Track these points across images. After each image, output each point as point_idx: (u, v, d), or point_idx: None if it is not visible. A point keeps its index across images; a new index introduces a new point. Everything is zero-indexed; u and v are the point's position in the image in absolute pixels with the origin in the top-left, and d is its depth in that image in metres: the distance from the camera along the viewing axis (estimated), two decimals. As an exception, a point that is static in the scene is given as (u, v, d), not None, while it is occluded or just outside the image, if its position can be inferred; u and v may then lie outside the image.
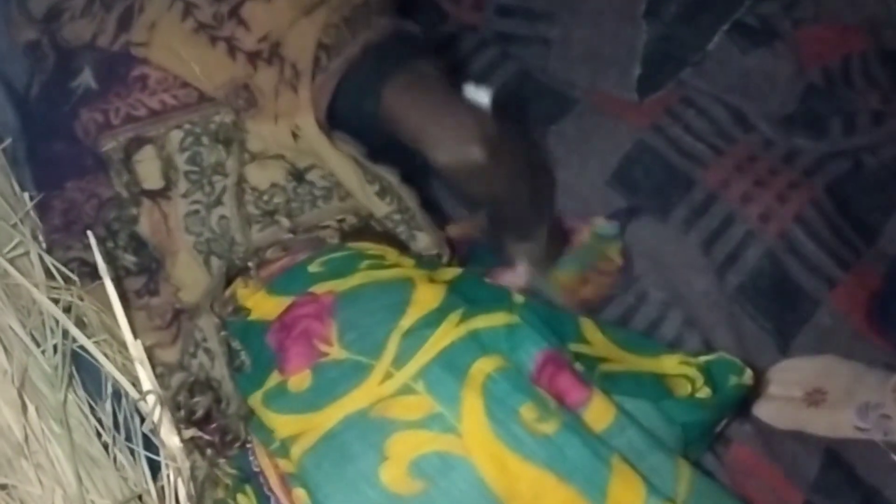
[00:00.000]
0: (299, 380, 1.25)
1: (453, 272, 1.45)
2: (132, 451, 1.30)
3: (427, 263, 1.46)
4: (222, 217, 1.43)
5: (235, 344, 1.35)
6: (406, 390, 1.20)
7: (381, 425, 1.19)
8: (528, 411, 1.17)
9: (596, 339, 1.40)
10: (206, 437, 1.26)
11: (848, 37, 2.16)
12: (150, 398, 1.23)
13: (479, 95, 1.44)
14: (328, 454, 1.19)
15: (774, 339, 1.85)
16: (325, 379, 1.24)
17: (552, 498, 1.16)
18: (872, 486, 1.73)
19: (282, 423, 1.24)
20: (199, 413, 1.30)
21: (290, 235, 1.43)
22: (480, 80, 1.51)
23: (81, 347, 1.30)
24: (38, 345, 1.30)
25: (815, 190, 1.96)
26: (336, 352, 1.25)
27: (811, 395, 1.78)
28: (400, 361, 1.22)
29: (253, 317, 1.37)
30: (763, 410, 1.78)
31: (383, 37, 1.48)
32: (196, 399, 1.31)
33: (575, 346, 1.34)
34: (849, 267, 1.92)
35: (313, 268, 1.38)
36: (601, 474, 1.16)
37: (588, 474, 1.16)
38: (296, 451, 1.20)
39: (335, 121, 1.46)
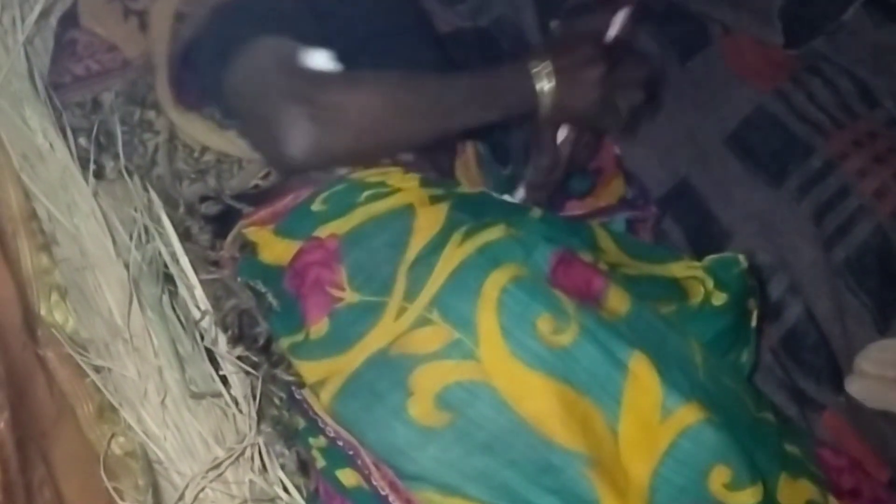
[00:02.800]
0: (318, 328, 1.22)
1: (469, 188, 1.42)
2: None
3: (434, 181, 1.39)
4: (158, 177, 1.41)
5: (259, 285, 1.31)
6: (422, 322, 1.18)
7: (402, 361, 1.17)
8: (544, 323, 1.15)
9: (609, 248, 1.38)
10: (253, 357, 1.24)
11: None
12: (207, 318, 1.24)
13: (318, 61, 1.33)
14: (356, 396, 1.17)
15: (874, 317, 1.76)
16: (343, 323, 1.22)
17: (578, 411, 1.14)
18: (958, 474, 1.65)
19: (308, 370, 1.23)
20: (261, 342, 1.28)
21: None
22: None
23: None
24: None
25: (934, 172, 1.87)
26: (349, 296, 1.23)
27: (904, 378, 1.70)
28: (411, 294, 1.20)
29: (266, 259, 1.33)
30: (855, 387, 1.70)
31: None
32: (258, 329, 1.28)
33: (590, 253, 1.32)
34: (960, 254, 1.82)
35: (316, 206, 1.33)
36: (615, 383, 1.16)
37: (603, 384, 1.15)
38: (324, 396, 1.19)
39: None
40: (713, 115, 1.93)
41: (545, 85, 1.38)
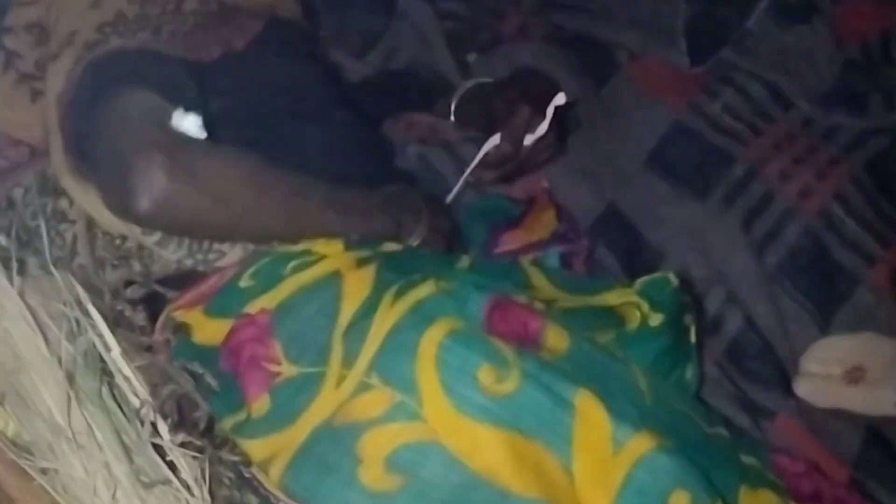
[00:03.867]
0: (259, 405, 1.21)
1: (394, 246, 1.42)
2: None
3: (358, 243, 1.39)
4: (80, 266, 1.40)
5: (196, 367, 1.28)
6: (363, 388, 1.17)
7: (348, 429, 1.15)
8: (485, 374, 1.15)
9: (541, 284, 1.40)
10: (197, 441, 1.22)
11: (887, 11, 2.08)
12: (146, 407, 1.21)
13: (187, 122, 1.32)
14: (305, 469, 1.15)
15: (814, 317, 1.77)
16: (283, 398, 1.21)
17: (530, 457, 1.13)
18: (915, 463, 1.66)
19: (254, 448, 1.20)
20: (203, 426, 1.26)
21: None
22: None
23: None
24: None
25: (855, 167, 1.88)
26: (287, 369, 1.22)
27: (851, 373, 1.70)
28: (349, 360, 1.19)
29: (199, 340, 1.32)
30: (802, 388, 1.70)
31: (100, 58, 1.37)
32: (198, 413, 1.26)
33: (524, 294, 1.32)
34: (889, 244, 1.82)
35: (244, 282, 1.33)
36: (564, 423, 1.15)
37: (551, 426, 1.14)
38: (273, 472, 1.17)
39: None
40: (631, 138, 1.94)
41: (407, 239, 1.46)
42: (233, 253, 1.39)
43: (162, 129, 1.29)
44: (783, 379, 1.72)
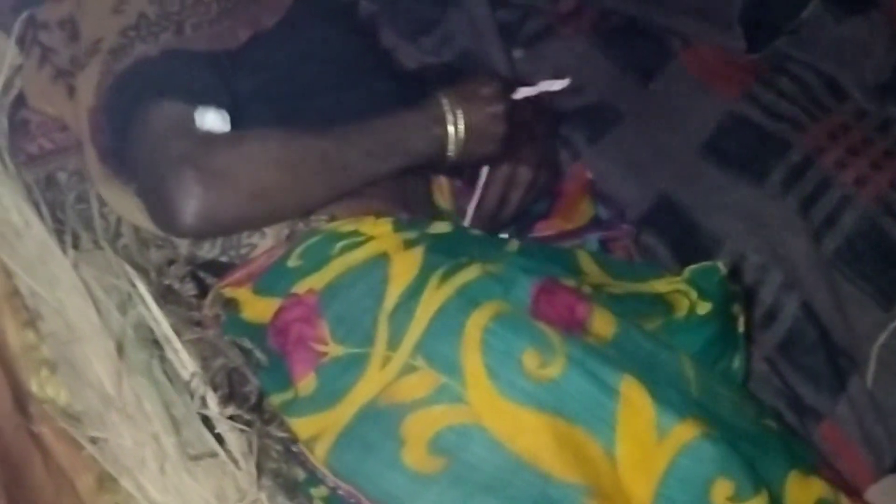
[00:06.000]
0: (306, 384, 1.21)
1: (443, 227, 1.39)
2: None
3: (408, 222, 1.37)
4: (124, 247, 1.39)
5: (246, 342, 1.28)
6: (408, 369, 1.17)
7: (392, 411, 1.15)
8: (530, 358, 1.14)
9: (591, 270, 1.38)
10: (245, 415, 1.22)
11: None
12: (196, 379, 1.21)
13: (210, 119, 1.31)
14: (349, 449, 1.16)
15: (876, 299, 1.76)
16: (330, 378, 1.20)
17: (572, 442, 1.12)
18: None
19: (300, 427, 1.20)
20: (253, 400, 1.25)
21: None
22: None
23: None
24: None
25: (912, 159, 1.87)
26: (333, 349, 1.21)
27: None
28: (394, 342, 1.18)
29: (247, 316, 1.32)
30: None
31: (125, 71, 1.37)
32: (248, 388, 1.25)
33: (573, 278, 1.30)
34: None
35: (292, 262, 1.32)
36: (608, 409, 1.13)
37: (595, 412, 1.13)
38: (319, 451, 1.17)
39: None
40: (683, 129, 1.93)
41: (451, 126, 1.40)
42: (263, 244, 1.39)
43: (188, 138, 1.29)
44: (836, 375, 1.69)
